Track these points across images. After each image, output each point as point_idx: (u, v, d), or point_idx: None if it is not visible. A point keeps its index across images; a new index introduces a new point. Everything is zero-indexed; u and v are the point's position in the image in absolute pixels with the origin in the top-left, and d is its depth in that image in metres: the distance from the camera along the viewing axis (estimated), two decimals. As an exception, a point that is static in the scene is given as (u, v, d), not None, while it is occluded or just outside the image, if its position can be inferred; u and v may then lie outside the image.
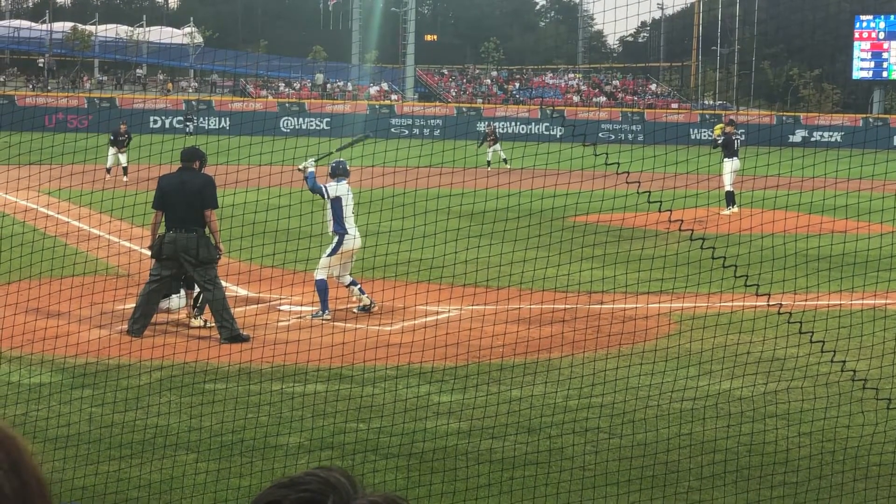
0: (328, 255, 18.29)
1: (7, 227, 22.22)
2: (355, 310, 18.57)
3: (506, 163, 52.70)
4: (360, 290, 18.55)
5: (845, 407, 12.24)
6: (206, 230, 16.63)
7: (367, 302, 18.52)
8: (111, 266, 21.78)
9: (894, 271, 22.35)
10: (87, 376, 13.89)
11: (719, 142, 37.45)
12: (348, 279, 18.59)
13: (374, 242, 19.18)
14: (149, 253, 17.10)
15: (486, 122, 60.15)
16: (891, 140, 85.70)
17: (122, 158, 43.92)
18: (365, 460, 10.80)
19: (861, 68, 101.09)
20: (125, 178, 42.25)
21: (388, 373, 14.28)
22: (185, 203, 16.55)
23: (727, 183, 36.25)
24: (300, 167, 18.68)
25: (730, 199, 35.73)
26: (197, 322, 17.42)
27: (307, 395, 13.12)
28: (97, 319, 17.13)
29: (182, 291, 17.92)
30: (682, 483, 10.31)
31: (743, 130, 39.07)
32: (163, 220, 16.85)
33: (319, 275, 18.18)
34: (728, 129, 37.81)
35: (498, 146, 55.02)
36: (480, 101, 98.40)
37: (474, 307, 18.61)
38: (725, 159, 36.71)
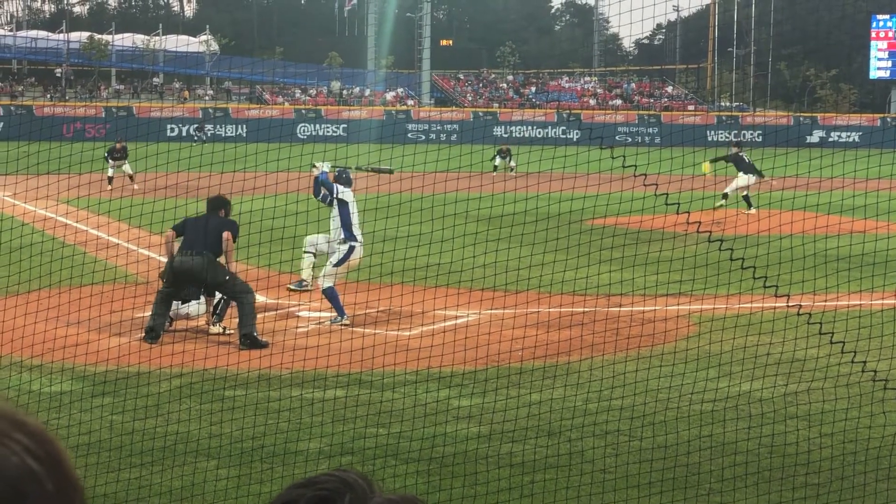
0: (336, 265, 18.30)
1: (26, 235, 22.27)
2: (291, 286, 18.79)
3: (512, 171, 52.88)
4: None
5: (867, 408, 12.19)
6: (219, 257, 16.90)
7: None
8: (130, 274, 21.83)
9: (914, 271, 22.32)
10: (108, 384, 13.91)
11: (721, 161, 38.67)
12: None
13: (392, 247, 19.17)
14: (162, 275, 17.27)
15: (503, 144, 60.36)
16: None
17: (128, 167, 44.27)
18: (385, 465, 10.80)
19: (878, 68, 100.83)
20: (134, 186, 42.33)
21: (408, 377, 14.28)
22: (203, 235, 16.96)
23: (740, 186, 37.68)
24: (316, 164, 18.78)
25: (748, 200, 37.00)
26: (216, 329, 17.46)
27: (327, 400, 13.14)
28: (117, 327, 17.17)
29: (202, 298, 17.97)
30: (704, 485, 10.28)
31: (747, 151, 40.21)
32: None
33: (326, 283, 18.18)
34: (734, 149, 39.08)
35: (509, 159, 55.26)
36: (497, 105, 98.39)
37: (493, 311, 18.60)
38: (740, 173, 37.94)
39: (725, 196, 37.35)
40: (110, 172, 44.10)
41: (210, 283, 16.92)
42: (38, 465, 1.56)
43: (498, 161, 55.19)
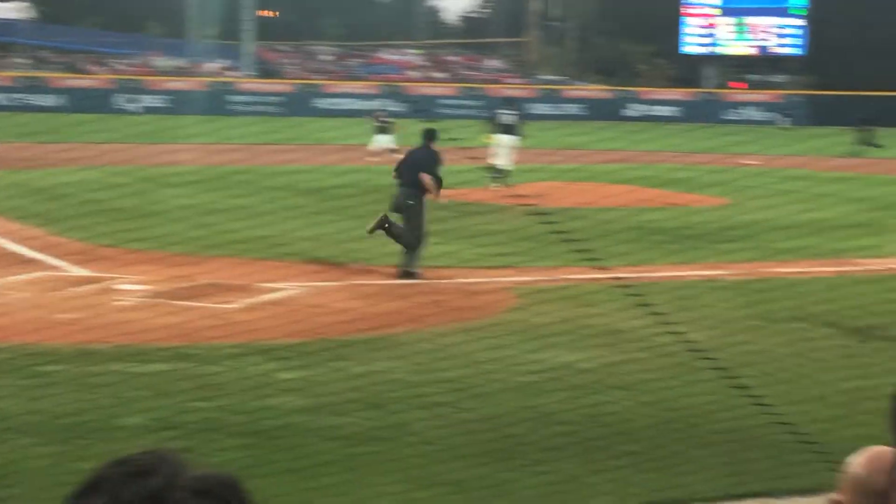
0: None
1: None
2: None
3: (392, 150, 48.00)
4: None
5: (684, 377, 12.45)
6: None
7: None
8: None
9: (729, 243, 22.94)
10: (-81, 360, 13.51)
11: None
12: None
13: (215, 220, 18.98)
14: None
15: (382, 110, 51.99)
16: (722, 114, 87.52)
17: None
18: (209, 439, 10.68)
19: (691, 43, 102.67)
20: None
21: (232, 351, 14.13)
22: (409, 167, 19.99)
23: (504, 160, 33.78)
24: None
25: (498, 173, 33.28)
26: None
27: (149, 374, 12.94)
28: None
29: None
30: (527, 456, 10.39)
31: (515, 110, 36.19)
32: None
33: None
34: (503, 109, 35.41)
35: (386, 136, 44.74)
36: (320, 77, 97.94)
37: (318, 283, 18.52)
38: (502, 135, 33.24)
39: (500, 175, 31.36)
40: None
41: (398, 208, 19.64)
42: None
43: (380, 138, 48.39)
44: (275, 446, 10.51)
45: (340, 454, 10.35)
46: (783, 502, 9.67)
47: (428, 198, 19.60)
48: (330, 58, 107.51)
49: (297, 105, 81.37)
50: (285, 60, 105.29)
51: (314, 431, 11.01)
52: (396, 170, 20.17)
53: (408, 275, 18.87)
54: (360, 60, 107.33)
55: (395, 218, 19.54)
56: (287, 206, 20.82)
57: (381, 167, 33.42)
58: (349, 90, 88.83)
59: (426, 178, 19.61)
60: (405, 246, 19.45)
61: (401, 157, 20.96)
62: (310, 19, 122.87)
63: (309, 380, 12.84)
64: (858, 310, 16.65)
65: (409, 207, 19.43)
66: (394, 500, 9.40)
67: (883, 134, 55.80)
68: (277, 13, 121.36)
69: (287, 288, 18.27)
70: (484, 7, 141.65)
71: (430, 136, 20.23)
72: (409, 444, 10.65)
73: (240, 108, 79.28)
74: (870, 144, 54.86)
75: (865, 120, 56.26)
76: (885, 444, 2.45)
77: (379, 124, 45.30)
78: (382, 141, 43.20)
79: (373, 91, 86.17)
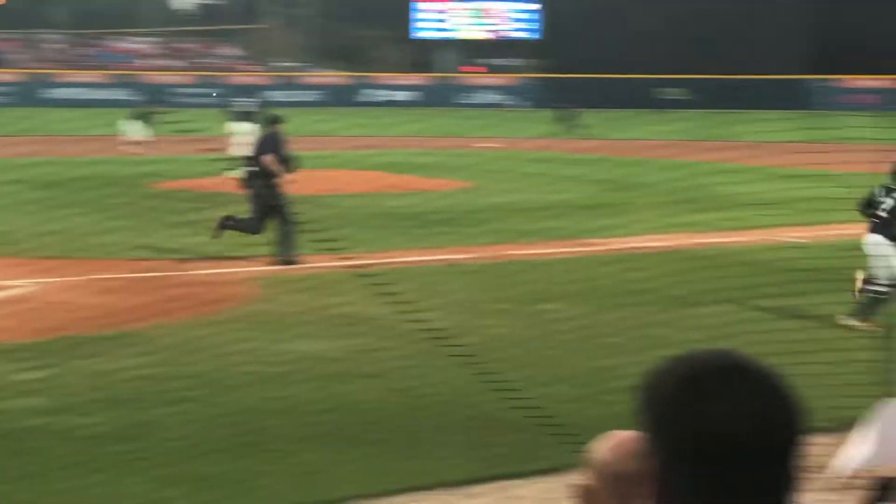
0: None
1: None
2: None
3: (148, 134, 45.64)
4: None
5: (432, 364, 12.52)
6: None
7: None
8: None
9: (474, 226, 23.26)
10: None
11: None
12: None
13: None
14: None
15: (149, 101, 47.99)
16: (463, 97, 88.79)
17: None
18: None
19: (423, 28, 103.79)
20: None
21: (-34, 353, 13.62)
22: (255, 156, 20.18)
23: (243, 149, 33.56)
24: None
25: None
26: None
27: None
28: None
29: None
30: (277, 447, 10.30)
31: (253, 98, 36.73)
32: None
33: None
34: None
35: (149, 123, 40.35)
36: (53, 66, 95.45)
37: (58, 279, 18.01)
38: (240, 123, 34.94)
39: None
40: None
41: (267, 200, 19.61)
42: None
43: (134, 127, 45.21)
44: (12, 451, 10.17)
45: (85, 455, 10.07)
46: (528, 482, 9.81)
47: (278, 181, 19.52)
48: (61, 46, 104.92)
49: (28, 95, 79.26)
50: (14, 49, 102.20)
51: (56, 434, 10.69)
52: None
53: (287, 262, 19.08)
54: (93, 49, 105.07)
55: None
56: (23, 201, 20.19)
57: (133, 157, 32.88)
58: (82, 79, 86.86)
59: (267, 159, 19.75)
60: (244, 230, 19.97)
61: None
62: (39, 6, 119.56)
63: (49, 380, 12.47)
64: (604, 290, 17.04)
65: (271, 198, 19.71)
66: (141, 500, 9.22)
67: (617, 115, 57.55)
68: (6, 1, 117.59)
69: (24, 285, 17.70)
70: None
71: (273, 119, 20.50)
72: (157, 441, 10.44)
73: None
74: (571, 125, 56.84)
75: (564, 101, 58.55)
76: (630, 426, 2.49)
77: (142, 112, 43.03)
78: (138, 130, 41.53)
79: (107, 80, 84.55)
